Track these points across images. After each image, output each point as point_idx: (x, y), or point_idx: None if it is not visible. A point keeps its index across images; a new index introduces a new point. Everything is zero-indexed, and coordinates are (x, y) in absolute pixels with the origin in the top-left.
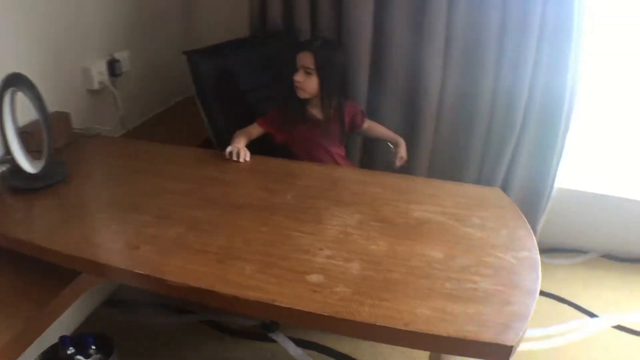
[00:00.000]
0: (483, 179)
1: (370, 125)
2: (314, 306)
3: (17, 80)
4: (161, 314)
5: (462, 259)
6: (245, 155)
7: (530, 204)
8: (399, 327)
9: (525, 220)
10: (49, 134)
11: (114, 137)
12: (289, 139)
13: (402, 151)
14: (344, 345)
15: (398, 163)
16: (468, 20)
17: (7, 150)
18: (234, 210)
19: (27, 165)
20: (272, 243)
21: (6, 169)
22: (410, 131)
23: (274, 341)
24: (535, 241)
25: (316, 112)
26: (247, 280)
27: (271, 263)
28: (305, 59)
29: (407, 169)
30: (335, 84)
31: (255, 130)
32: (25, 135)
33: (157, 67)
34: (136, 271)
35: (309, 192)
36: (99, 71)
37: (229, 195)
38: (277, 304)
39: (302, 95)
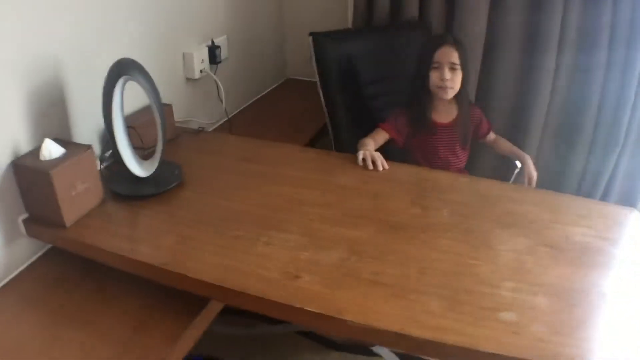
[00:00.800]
0: (583, 193)
1: (496, 138)
2: (517, 351)
3: (129, 67)
4: (254, 324)
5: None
6: (383, 163)
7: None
8: None
9: None
10: (163, 130)
11: (221, 133)
12: (410, 144)
13: (531, 170)
14: None
15: (527, 184)
16: (582, 20)
17: (108, 146)
18: (391, 230)
19: (136, 167)
20: (450, 273)
21: (104, 168)
22: (515, 138)
23: (376, 355)
24: None
25: (439, 115)
26: (439, 321)
27: (456, 299)
28: (451, 54)
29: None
30: (465, 81)
31: (381, 136)
32: (129, 130)
33: (253, 52)
34: (305, 308)
35: (464, 210)
36: (200, 58)
37: (379, 210)
38: (480, 349)
39: (450, 95)
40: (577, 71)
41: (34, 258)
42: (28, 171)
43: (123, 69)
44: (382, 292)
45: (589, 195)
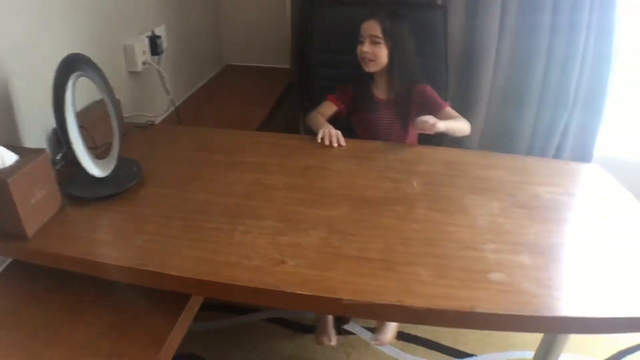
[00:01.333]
0: (535, 152)
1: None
2: (514, 307)
3: (80, 63)
4: (223, 316)
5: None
6: (340, 140)
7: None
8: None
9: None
10: (120, 126)
11: (170, 125)
12: (353, 119)
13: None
14: (423, 330)
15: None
16: None
17: (57, 148)
18: (367, 205)
19: (94, 168)
20: (432, 241)
21: (58, 171)
22: (464, 101)
23: (351, 333)
24: None
25: (380, 92)
26: (433, 289)
27: (445, 265)
28: (372, 27)
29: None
30: (405, 58)
31: (329, 108)
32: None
33: (191, 41)
34: (298, 292)
35: (435, 179)
36: (142, 50)
37: (350, 187)
38: (478, 310)
39: (372, 68)
40: (522, 33)
41: None
42: None
43: (74, 65)
44: (370, 268)
45: (541, 153)
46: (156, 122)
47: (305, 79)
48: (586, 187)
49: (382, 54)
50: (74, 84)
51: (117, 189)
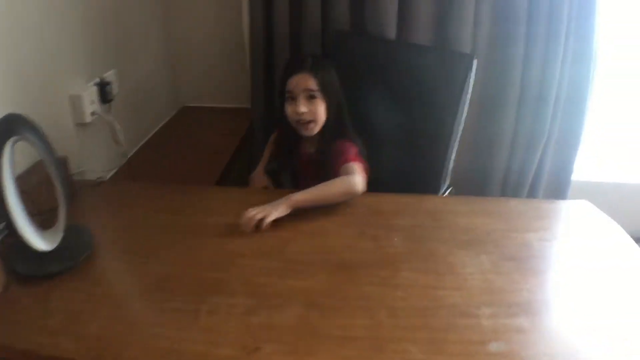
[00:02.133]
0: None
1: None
2: None
3: (18, 126)
4: None
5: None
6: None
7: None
8: None
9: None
10: (66, 194)
11: (123, 182)
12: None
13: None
14: None
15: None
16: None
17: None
18: (346, 271)
19: (38, 241)
20: (422, 310)
21: (2, 240)
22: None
23: None
24: None
25: (306, 145)
26: None
27: (438, 339)
28: (305, 80)
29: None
30: (343, 110)
31: (269, 152)
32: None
33: (145, 84)
34: None
35: (417, 233)
36: (90, 99)
37: (325, 250)
38: None
39: (313, 130)
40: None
41: None
42: None
43: (11, 129)
44: (356, 348)
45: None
46: (108, 178)
47: (268, 120)
48: (577, 228)
49: (321, 111)
50: (11, 150)
51: (66, 264)
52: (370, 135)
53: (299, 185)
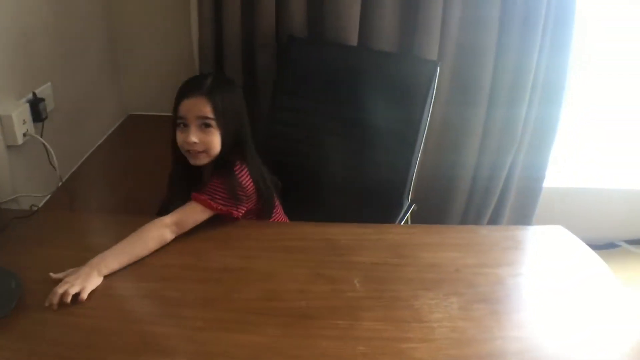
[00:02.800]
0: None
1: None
2: None
3: None
4: None
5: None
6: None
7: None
8: None
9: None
10: None
11: (60, 211)
12: None
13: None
14: None
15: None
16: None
17: None
18: (300, 321)
19: None
20: None
21: None
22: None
23: None
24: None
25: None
26: None
27: None
28: (199, 106)
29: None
30: (238, 136)
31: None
32: None
33: (86, 95)
34: None
35: (379, 273)
36: (21, 119)
37: (277, 296)
38: None
39: (203, 160)
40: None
41: None
42: None
43: None
44: None
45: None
46: (42, 205)
47: None
48: (552, 258)
49: (215, 141)
50: None
51: None
52: (330, 145)
53: None
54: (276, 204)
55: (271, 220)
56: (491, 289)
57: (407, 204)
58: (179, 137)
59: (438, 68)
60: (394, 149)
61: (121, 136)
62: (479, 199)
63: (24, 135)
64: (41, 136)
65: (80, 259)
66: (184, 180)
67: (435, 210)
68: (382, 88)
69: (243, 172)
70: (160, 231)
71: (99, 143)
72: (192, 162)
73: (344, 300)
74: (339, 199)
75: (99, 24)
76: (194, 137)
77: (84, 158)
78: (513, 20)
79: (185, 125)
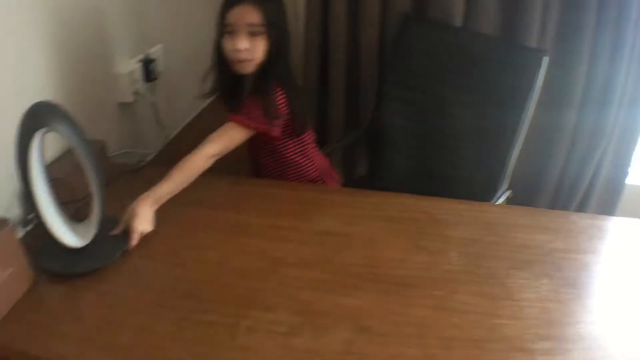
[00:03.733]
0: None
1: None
2: None
3: (47, 116)
4: None
5: None
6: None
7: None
8: None
9: None
10: (100, 186)
11: (166, 169)
12: None
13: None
14: None
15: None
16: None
17: (30, 206)
18: (399, 289)
19: (69, 237)
20: (477, 342)
21: (28, 234)
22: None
23: None
24: None
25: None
26: None
27: None
28: (248, 14)
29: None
30: (281, 48)
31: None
32: (54, 183)
33: (192, 61)
34: None
35: (475, 249)
36: (133, 77)
37: (376, 263)
38: None
39: (249, 69)
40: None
41: None
42: None
43: (40, 120)
44: None
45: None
46: (148, 161)
47: (322, 102)
48: (633, 250)
49: (262, 49)
50: (40, 142)
51: (98, 263)
52: (431, 126)
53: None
54: (309, 133)
55: (303, 148)
56: (578, 275)
57: (503, 189)
58: (228, 44)
59: (546, 58)
60: (495, 137)
61: (220, 105)
62: (564, 194)
63: (135, 93)
64: (151, 95)
65: (180, 216)
66: (227, 93)
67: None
68: (490, 74)
69: (278, 91)
70: (205, 162)
71: (199, 110)
72: (239, 70)
73: (441, 272)
74: (437, 181)
75: None
76: (243, 44)
77: (187, 121)
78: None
79: (233, 33)
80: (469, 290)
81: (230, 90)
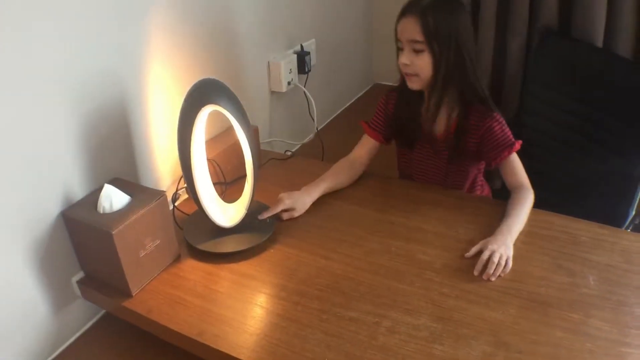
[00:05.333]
0: None
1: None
2: None
3: (214, 92)
4: None
5: None
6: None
7: None
8: None
9: None
10: (256, 167)
11: (314, 160)
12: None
13: (493, 244)
14: None
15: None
16: None
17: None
18: (538, 307)
19: (220, 217)
20: None
21: (177, 208)
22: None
23: None
24: None
25: (427, 116)
26: None
27: None
28: (409, 28)
29: None
30: (454, 65)
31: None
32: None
33: (341, 57)
34: None
35: (611, 275)
36: (288, 68)
37: (519, 277)
38: None
39: (415, 85)
40: None
41: (89, 324)
42: (83, 227)
43: (206, 96)
44: None
45: None
46: (296, 151)
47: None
48: None
49: (426, 66)
50: (204, 119)
51: (243, 245)
52: (562, 139)
53: (411, 166)
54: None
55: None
56: None
57: (632, 215)
58: (399, 58)
59: None
60: (626, 162)
61: (368, 101)
62: None
63: (289, 83)
64: (304, 86)
65: (327, 208)
66: (405, 105)
67: None
68: (624, 98)
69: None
70: (529, 202)
71: (345, 106)
72: (409, 85)
73: (579, 295)
74: (564, 196)
75: None
76: (404, 59)
77: (334, 115)
78: None
79: (400, 49)
80: (603, 316)
81: (407, 101)
